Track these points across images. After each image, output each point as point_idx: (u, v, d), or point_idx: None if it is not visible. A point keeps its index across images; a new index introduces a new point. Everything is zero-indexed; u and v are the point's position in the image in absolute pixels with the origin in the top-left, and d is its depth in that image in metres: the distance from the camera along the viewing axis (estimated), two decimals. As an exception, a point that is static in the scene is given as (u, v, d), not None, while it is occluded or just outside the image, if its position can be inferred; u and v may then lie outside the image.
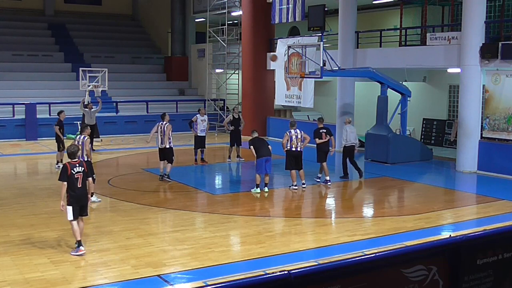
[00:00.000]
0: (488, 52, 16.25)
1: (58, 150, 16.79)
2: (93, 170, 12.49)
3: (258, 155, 13.65)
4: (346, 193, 15.05)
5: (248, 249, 9.69)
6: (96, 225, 10.79)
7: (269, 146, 13.96)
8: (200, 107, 20.38)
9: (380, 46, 20.91)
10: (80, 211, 9.29)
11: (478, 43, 16.54)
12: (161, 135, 14.96)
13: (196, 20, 31.59)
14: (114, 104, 26.13)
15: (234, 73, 28.22)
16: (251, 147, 13.83)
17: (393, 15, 24.28)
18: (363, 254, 7.60)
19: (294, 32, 29.61)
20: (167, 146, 14.92)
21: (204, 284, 7.90)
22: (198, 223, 11.59)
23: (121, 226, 10.84)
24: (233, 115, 18.68)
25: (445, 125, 22.67)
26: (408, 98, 19.10)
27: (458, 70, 17.62)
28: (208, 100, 28.00)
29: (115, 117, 25.66)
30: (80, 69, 23.99)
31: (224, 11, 26.77)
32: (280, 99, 23.14)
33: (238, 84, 27.57)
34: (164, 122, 15.04)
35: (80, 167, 9.25)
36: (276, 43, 23.55)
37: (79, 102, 21.29)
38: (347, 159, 15.69)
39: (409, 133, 21.76)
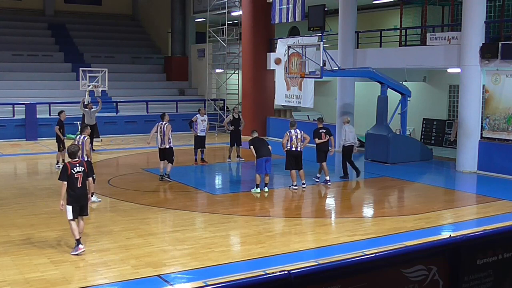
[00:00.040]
0: (488, 52, 16.25)
1: (58, 150, 16.78)
2: (93, 170, 12.49)
3: (258, 155, 13.66)
4: (346, 193, 15.05)
5: (248, 249, 9.70)
6: (96, 225, 10.79)
7: (269, 146, 13.96)
8: (200, 107, 20.37)
9: (380, 46, 20.91)
10: (80, 211, 9.31)
11: (478, 43, 16.54)
12: (160, 135, 14.96)
13: (196, 20, 31.59)
14: (114, 104, 26.13)
15: (234, 73, 28.22)
16: (251, 147, 13.83)
17: (393, 15, 24.28)
18: (363, 254, 7.60)
19: (294, 32, 29.61)
20: (167, 146, 14.92)
21: (204, 284, 7.90)
22: (198, 223, 11.59)
23: (121, 226, 10.84)
24: (233, 115, 18.68)
25: (445, 125, 22.67)
26: (408, 98, 19.10)
27: (458, 70, 17.62)
28: (208, 100, 28.00)
29: (115, 117, 25.66)
30: (80, 69, 23.98)
31: (224, 11, 26.77)
32: (280, 99, 23.14)
33: (238, 84, 27.57)
34: (164, 122, 15.04)
35: (80, 167, 9.26)
36: (276, 43, 23.56)
37: (79, 102, 21.29)
38: (346, 159, 15.72)
39: (409, 133, 21.76)
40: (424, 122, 23.47)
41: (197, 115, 17.44)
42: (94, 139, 19.49)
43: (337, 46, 21.21)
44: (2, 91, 24.94)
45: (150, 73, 30.79)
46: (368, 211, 13.02)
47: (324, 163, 14.89)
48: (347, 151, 15.69)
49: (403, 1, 22.53)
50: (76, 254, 9.05)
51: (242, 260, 9.13)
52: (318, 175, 15.20)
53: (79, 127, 17.61)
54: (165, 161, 15.12)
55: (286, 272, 3.99)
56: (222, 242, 10.01)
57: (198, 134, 17.45)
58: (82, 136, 12.16)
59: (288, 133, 14.08)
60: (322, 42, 17.02)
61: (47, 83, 26.75)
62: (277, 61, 18.80)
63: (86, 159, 11.59)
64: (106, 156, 19.75)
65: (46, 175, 16.89)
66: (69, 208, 9.13)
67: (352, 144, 15.67)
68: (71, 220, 9.15)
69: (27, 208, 12.25)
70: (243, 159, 18.34)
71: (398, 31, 21.68)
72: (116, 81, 26.96)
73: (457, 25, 18.76)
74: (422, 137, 23.34)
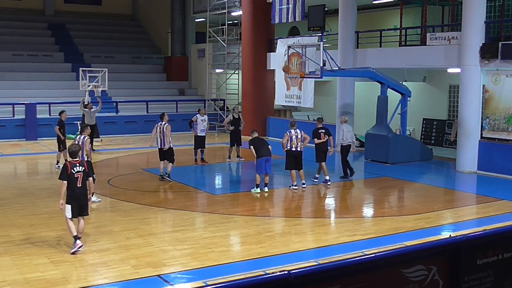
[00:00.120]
0: (488, 52, 16.25)
1: (59, 150, 16.79)
2: (93, 170, 12.48)
3: (258, 155, 13.66)
4: (346, 193, 15.05)
5: (248, 249, 9.69)
6: (96, 225, 10.79)
7: (269, 146, 13.96)
8: (200, 107, 20.37)
9: (380, 46, 20.91)
10: (80, 210, 9.34)
11: (478, 43, 16.54)
12: (160, 136, 14.96)
13: (196, 20, 31.59)
14: (114, 104, 26.13)
15: (234, 73, 28.22)
16: (251, 147, 13.83)
17: (393, 15, 24.28)
18: (363, 254, 7.60)
19: (294, 32, 29.61)
20: (167, 147, 14.92)
21: (204, 284, 7.90)
22: (198, 223, 11.59)
23: (121, 226, 10.84)
24: (233, 115, 18.68)
25: (445, 125, 22.67)
26: (408, 98, 19.11)
27: (458, 70, 17.62)
28: (208, 100, 28.00)
29: (115, 117, 25.66)
30: (80, 69, 23.98)
31: (224, 11, 26.77)
32: (280, 99, 23.14)
33: (238, 84, 27.57)
34: (163, 123, 15.03)
35: (81, 167, 9.29)
36: (276, 43, 23.56)
37: (79, 102, 21.28)
38: (341, 158, 15.78)
39: (409, 133, 21.76)
40: (424, 122, 23.47)
41: (197, 115, 17.44)
42: (94, 139, 19.49)
43: (337, 46, 21.21)
44: (2, 91, 24.94)
45: (150, 73, 30.79)
46: (368, 211, 13.02)
47: (323, 163, 14.90)
48: (345, 150, 15.73)
49: (403, 1, 22.53)
50: (75, 252, 9.08)
51: (242, 260, 9.13)
52: (317, 176, 15.20)
53: (79, 127, 17.60)
54: (165, 161, 15.12)
55: (286, 272, 3.99)
56: (222, 242, 10.01)
57: (198, 134, 17.46)
58: (82, 136, 12.18)
59: (288, 133, 14.08)
60: (322, 42, 17.02)
61: (47, 83, 26.75)
62: (285, 69, 18.77)
63: (86, 159, 11.59)
64: (106, 156, 19.75)
65: (46, 175, 16.90)
66: (68, 207, 9.20)
67: (350, 143, 15.72)
68: (69, 218, 9.21)
69: (27, 208, 12.25)
70: (243, 159, 18.34)
71: (398, 31, 21.68)
72: (116, 81, 26.96)
73: (457, 25, 18.76)
74: (422, 137, 23.34)
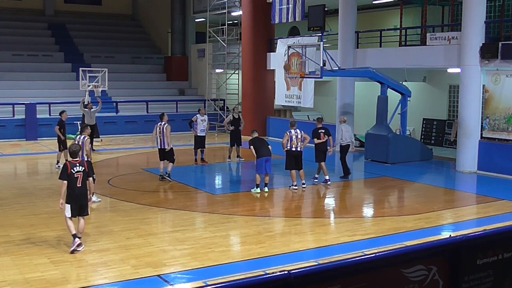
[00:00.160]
0: (488, 52, 16.25)
1: (59, 150, 16.79)
2: (93, 170, 12.48)
3: (258, 155, 13.66)
4: (346, 193, 15.05)
5: (248, 249, 9.69)
6: (96, 225, 10.79)
7: (269, 146, 13.96)
8: (200, 107, 20.37)
9: (380, 46, 20.91)
10: (80, 210, 9.35)
11: (478, 43, 16.54)
12: (160, 136, 14.96)
13: (196, 20, 31.59)
14: (114, 104, 26.13)
15: (234, 73, 28.22)
16: (251, 147, 13.83)
17: (393, 15, 24.28)
18: (363, 254, 7.60)
19: (294, 32, 29.61)
20: (167, 147, 14.91)
21: (204, 284, 7.90)
22: (198, 223, 11.59)
23: (121, 226, 10.84)
24: (233, 115, 18.68)
25: (445, 125, 22.67)
26: (408, 98, 19.11)
27: (458, 70, 17.62)
28: (208, 100, 28.00)
29: (115, 117, 25.66)
30: (80, 69, 23.98)
31: (224, 11, 26.77)
32: (280, 99, 23.14)
33: (238, 84, 27.57)
34: (163, 123, 15.03)
35: (81, 167, 9.31)
36: (276, 43, 23.56)
37: (79, 102, 21.29)
38: (339, 158, 15.79)
39: (409, 133, 21.76)
40: (424, 122, 23.47)
41: (197, 115, 17.44)
42: (94, 139, 19.49)
43: (337, 46, 21.21)
44: (2, 91, 24.94)
45: (150, 73, 30.79)
46: (368, 211, 13.02)
47: (323, 163, 14.90)
48: (343, 150, 15.75)
49: (403, 1, 22.53)
50: (73, 250, 9.09)
51: (242, 260, 9.13)
52: (316, 176, 15.20)
53: (79, 127, 17.60)
54: (165, 161, 15.12)
55: (286, 272, 3.99)
56: (222, 242, 10.01)
57: (198, 134, 17.46)
58: (82, 136, 12.18)
59: (288, 133, 14.08)
60: (322, 42, 17.02)
61: (47, 83, 26.75)
62: (287, 67, 18.77)
63: (86, 159, 11.59)
64: (106, 156, 19.75)
65: (46, 175, 16.90)
66: (68, 206, 9.25)
67: (349, 143, 15.73)
68: (68, 217, 9.25)
69: (27, 208, 12.25)
70: (243, 159, 18.34)
71: (398, 31, 21.68)
72: (116, 81, 26.96)
73: (457, 25, 18.76)
74: (422, 137, 23.34)
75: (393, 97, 19.05)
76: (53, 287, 7.84)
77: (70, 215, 9.24)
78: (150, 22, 34.36)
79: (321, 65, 16.69)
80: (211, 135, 24.40)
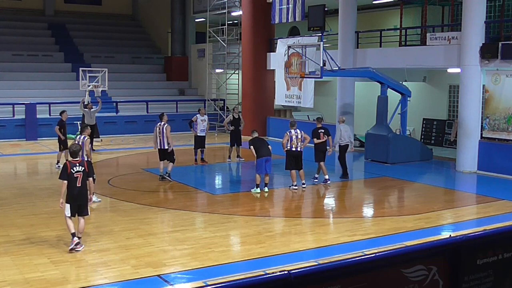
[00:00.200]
0: (488, 52, 16.25)
1: (59, 150, 16.79)
2: (93, 170, 12.48)
3: (258, 155, 13.66)
4: (346, 193, 15.05)
5: (248, 249, 9.69)
6: (96, 225, 10.79)
7: (269, 146, 13.96)
8: (200, 107, 20.36)
9: (380, 46, 20.91)
10: (79, 210, 9.36)
11: (478, 43, 16.54)
12: (159, 136, 14.96)
13: (196, 20, 31.59)
14: (114, 104, 26.13)
15: (234, 73, 28.22)
16: (251, 147, 13.83)
17: (393, 15, 24.28)
18: (363, 254, 7.60)
19: (294, 32, 29.62)
20: (167, 147, 14.90)
21: (204, 284, 7.90)
22: (198, 223, 11.59)
23: (121, 226, 10.84)
24: (233, 115, 18.68)
25: (445, 125, 22.67)
26: (408, 98, 19.11)
27: (458, 70, 17.62)
28: (208, 100, 28.00)
29: (115, 117, 25.66)
30: (80, 69, 23.98)
31: (224, 11, 26.77)
32: (280, 99, 23.14)
33: (238, 84, 27.57)
34: (163, 123, 15.03)
35: (81, 167, 9.33)
36: (276, 43, 23.56)
37: (79, 102, 21.28)
38: (338, 158, 15.79)
39: (409, 133, 21.76)
40: (424, 122, 23.47)
41: (197, 115, 17.44)
42: (94, 139, 19.49)
43: (337, 46, 21.21)
44: (2, 91, 24.94)
45: (150, 73, 30.79)
46: (368, 211, 13.02)
47: (322, 163, 14.91)
48: (342, 150, 15.76)
49: (403, 1, 22.53)
50: (72, 249, 9.10)
51: (242, 260, 9.13)
52: (316, 176, 15.21)
53: (79, 127, 17.60)
54: (165, 161, 15.12)
55: (286, 272, 3.99)
56: (222, 242, 10.01)
57: (198, 134, 17.46)
58: (82, 136, 12.18)
59: (288, 133, 14.08)
60: (322, 42, 17.02)
61: (47, 83, 26.75)
62: (288, 64, 18.78)
63: (86, 159, 11.59)
64: (106, 156, 19.75)
65: (46, 175, 16.90)
66: (67, 206, 9.29)
67: (348, 143, 15.74)
68: (68, 216, 9.29)
69: (27, 208, 12.26)
70: (243, 159, 18.34)
71: (398, 31, 21.68)
72: (116, 81, 26.96)
73: (457, 25, 18.76)
74: (422, 137, 23.34)
75: (393, 97, 19.05)
76: (53, 287, 7.84)
77: (69, 214, 9.30)
78: (150, 22, 34.36)
79: (321, 65, 16.69)
80: (211, 135, 24.40)
